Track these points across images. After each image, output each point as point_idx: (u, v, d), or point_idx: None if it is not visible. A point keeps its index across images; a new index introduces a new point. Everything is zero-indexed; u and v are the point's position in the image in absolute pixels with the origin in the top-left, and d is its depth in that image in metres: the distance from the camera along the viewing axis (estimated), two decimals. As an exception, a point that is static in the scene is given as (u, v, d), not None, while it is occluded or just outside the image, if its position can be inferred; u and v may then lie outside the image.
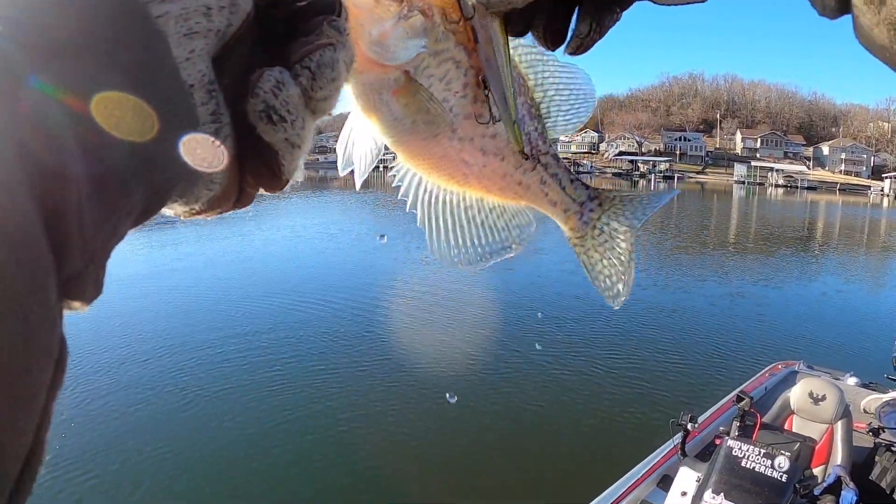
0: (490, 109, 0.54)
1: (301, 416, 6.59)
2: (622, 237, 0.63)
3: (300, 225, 21.92)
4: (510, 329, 8.62)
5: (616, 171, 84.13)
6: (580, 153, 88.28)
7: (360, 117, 0.53)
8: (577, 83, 0.62)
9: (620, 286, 0.63)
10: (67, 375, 0.25)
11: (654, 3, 0.45)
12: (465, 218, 0.61)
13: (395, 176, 0.59)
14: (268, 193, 0.42)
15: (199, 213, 0.38)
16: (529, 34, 0.50)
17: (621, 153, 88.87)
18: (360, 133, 0.57)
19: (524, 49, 0.59)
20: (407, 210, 0.59)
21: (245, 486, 5.35)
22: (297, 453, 5.88)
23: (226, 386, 7.30)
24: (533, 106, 0.58)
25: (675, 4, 0.45)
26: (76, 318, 0.28)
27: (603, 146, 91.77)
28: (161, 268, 13.49)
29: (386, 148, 0.57)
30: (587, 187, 0.62)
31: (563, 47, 0.50)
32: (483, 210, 0.61)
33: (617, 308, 0.63)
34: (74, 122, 0.25)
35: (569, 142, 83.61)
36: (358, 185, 0.60)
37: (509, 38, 0.51)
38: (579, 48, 0.49)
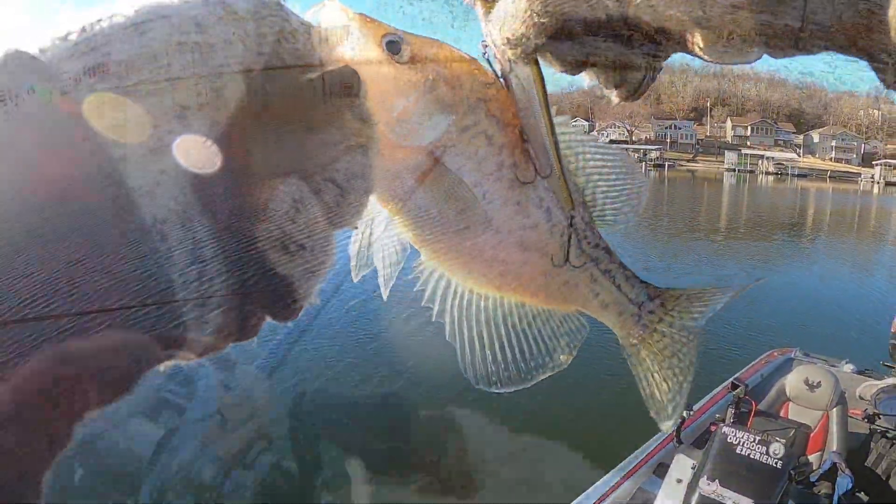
0: (534, 165, 0.46)
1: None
2: (686, 344, 0.54)
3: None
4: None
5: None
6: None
7: (379, 209, 0.44)
8: (621, 166, 0.53)
9: (672, 407, 0.55)
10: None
11: (704, 60, 0.44)
12: (503, 327, 0.52)
13: (417, 279, 0.50)
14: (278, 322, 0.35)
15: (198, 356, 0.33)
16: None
17: (612, 141, 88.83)
18: (379, 229, 0.47)
19: (561, 129, 0.49)
20: (433, 319, 0.51)
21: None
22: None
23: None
24: (577, 191, 0.50)
25: (727, 63, 0.44)
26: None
27: (594, 134, 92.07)
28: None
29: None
30: (646, 284, 0.55)
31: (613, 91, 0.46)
32: (525, 316, 0.53)
33: (666, 431, 0.53)
34: None
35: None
36: (385, 295, 0.50)
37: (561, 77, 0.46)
38: (636, 92, 0.46)
